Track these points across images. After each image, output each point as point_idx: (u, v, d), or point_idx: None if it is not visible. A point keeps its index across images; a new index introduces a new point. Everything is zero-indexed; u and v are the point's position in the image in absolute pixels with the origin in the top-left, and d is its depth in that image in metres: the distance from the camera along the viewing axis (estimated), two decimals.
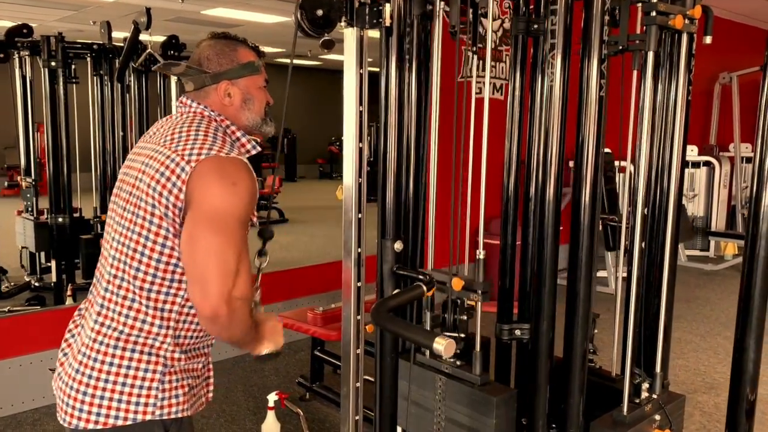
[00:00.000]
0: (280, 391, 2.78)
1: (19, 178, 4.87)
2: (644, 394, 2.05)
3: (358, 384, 1.81)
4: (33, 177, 4.76)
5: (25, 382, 3.21)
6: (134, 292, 1.39)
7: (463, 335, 1.89)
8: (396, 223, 1.82)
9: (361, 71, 1.67)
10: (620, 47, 2.00)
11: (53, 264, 4.59)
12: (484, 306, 2.23)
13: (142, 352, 1.38)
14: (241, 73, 1.50)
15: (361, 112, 1.68)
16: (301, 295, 4.15)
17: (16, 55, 4.68)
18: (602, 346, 2.08)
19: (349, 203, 1.70)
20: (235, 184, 1.34)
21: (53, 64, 4.50)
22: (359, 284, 1.73)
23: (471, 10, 1.91)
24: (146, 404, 1.37)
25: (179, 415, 1.42)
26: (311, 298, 4.15)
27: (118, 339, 1.38)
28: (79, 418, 1.37)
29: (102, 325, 1.40)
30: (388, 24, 1.68)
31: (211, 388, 1.60)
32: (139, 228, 1.37)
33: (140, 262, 1.38)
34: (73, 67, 4.76)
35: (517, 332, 2.09)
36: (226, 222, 1.33)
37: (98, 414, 1.36)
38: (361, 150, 1.69)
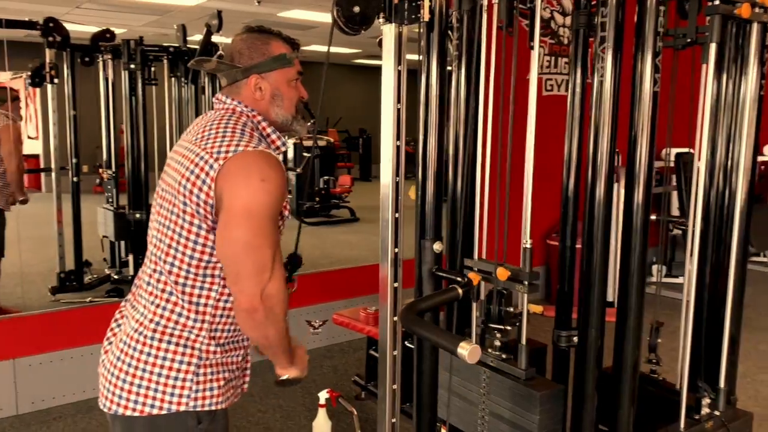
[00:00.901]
0: (331, 389, 2.79)
1: (101, 170, 5.14)
2: (705, 410, 1.92)
3: (395, 386, 1.78)
4: (114, 169, 5.01)
5: None
6: (171, 286, 1.42)
7: (509, 328, 1.83)
8: (435, 223, 1.78)
9: (399, 68, 1.64)
10: (688, 40, 1.88)
11: (131, 258, 4.80)
12: (547, 310, 2.15)
13: (177, 344, 1.41)
14: (272, 66, 1.49)
15: (399, 109, 1.65)
16: (362, 294, 4.15)
17: (100, 59, 4.93)
18: (675, 356, 1.96)
19: (386, 203, 1.68)
20: (264, 180, 1.35)
21: (132, 66, 4.71)
22: (396, 285, 1.71)
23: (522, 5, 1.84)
24: (180, 395, 1.40)
25: (213, 408, 1.44)
26: (372, 297, 4.15)
27: (155, 330, 1.42)
28: (118, 404, 1.42)
29: (143, 315, 1.45)
30: (426, 19, 1.65)
31: (248, 379, 1.62)
32: (173, 224, 1.41)
33: (174, 257, 1.41)
34: (152, 69, 4.99)
35: (575, 339, 2.00)
36: (258, 218, 1.34)
37: (135, 402, 1.40)
38: (398, 148, 1.66)
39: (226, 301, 1.45)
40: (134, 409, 1.40)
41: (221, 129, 1.42)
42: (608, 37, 1.68)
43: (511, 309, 1.81)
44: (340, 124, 12.01)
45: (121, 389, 1.42)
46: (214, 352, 1.44)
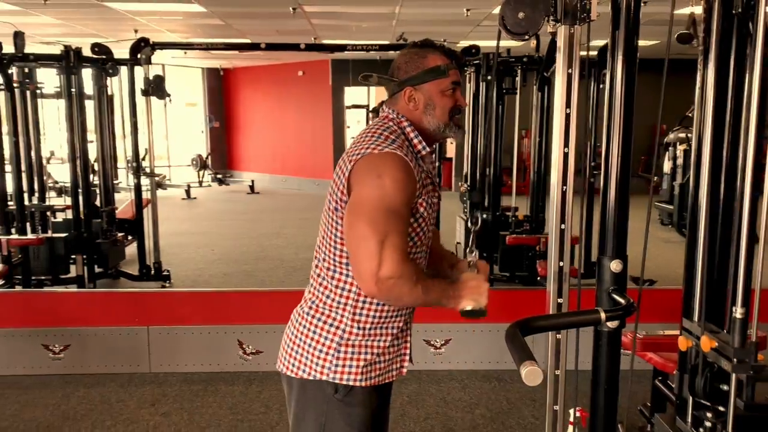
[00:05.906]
0: (582, 408, 2.64)
1: (459, 183, 5.69)
2: None
3: (556, 407, 1.68)
4: (468, 183, 5.49)
5: None
6: (323, 272, 1.66)
7: (720, 408, 1.57)
8: (617, 238, 1.60)
9: (569, 71, 1.54)
10: None
11: None
12: None
13: (324, 322, 1.65)
14: (424, 78, 1.59)
15: (568, 114, 1.55)
16: (666, 320, 3.68)
17: (466, 72, 5.45)
18: None
19: (552, 213, 1.60)
20: (380, 176, 1.48)
21: (489, 78, 5.08)
22: (560, 301, 1.61)
23: None
24: (322, 366, 1.63)
25: (350, 383, 1.63)
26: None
27: (310, 308, 1.68)
28: (285, 366, 1.72)
29: (306, 295, 1.73)
30: (594, 18, 1.50)
31: (406, 364, 1.73)
32: (324, 219, 1.65)
33: (325, 247, 1.64)
34: (516, 78, 5.29)
35: None
36: (369, 211, 1.48)
37: (293, 365, 1.68)
38: (566, 155, 1.56)
39: None
40: (293, 371, 1.68)
41: (365, 135, 1.60)
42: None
43: (725, 386, 1.56)
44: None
45: (287, 353, 1.71)
46: (356, 334, 1.62)
